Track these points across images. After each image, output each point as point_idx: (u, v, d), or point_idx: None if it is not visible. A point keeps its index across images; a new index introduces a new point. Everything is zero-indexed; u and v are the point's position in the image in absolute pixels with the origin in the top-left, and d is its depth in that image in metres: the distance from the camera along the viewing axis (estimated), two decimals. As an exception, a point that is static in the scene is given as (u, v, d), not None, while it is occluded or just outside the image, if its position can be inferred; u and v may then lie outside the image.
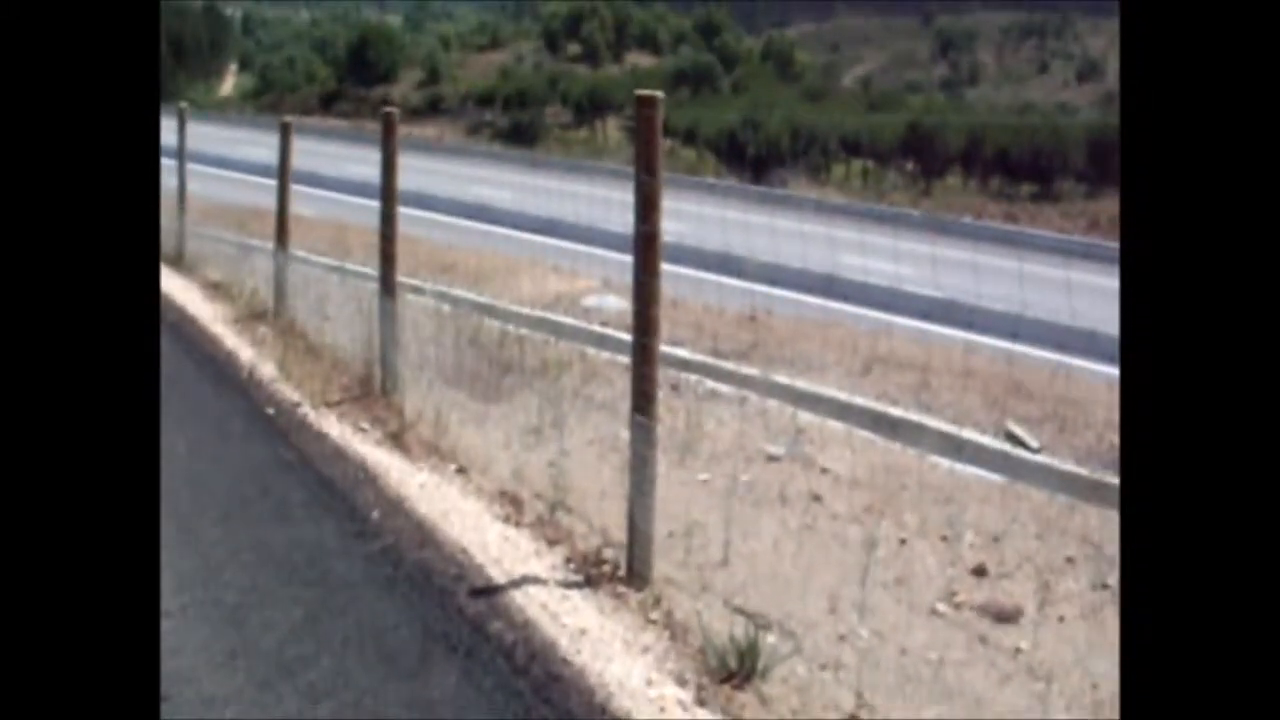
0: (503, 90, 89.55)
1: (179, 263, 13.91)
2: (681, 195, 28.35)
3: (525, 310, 13.17)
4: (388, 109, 7.82)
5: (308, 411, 7.50)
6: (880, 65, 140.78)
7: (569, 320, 12.90)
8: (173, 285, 12.45)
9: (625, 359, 10.87)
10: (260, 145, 56.80)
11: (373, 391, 7.88)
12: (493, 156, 58.13)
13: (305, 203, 33.66)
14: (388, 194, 7.68)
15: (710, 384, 10.26)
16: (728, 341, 12.46)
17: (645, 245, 4.63)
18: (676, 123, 77.79)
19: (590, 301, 14.51)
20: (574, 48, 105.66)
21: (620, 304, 13.87)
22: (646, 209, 4.59)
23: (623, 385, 9.54)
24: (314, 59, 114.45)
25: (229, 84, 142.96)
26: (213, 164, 46.59)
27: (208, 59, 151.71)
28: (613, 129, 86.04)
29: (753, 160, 65.06)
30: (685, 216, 23.42)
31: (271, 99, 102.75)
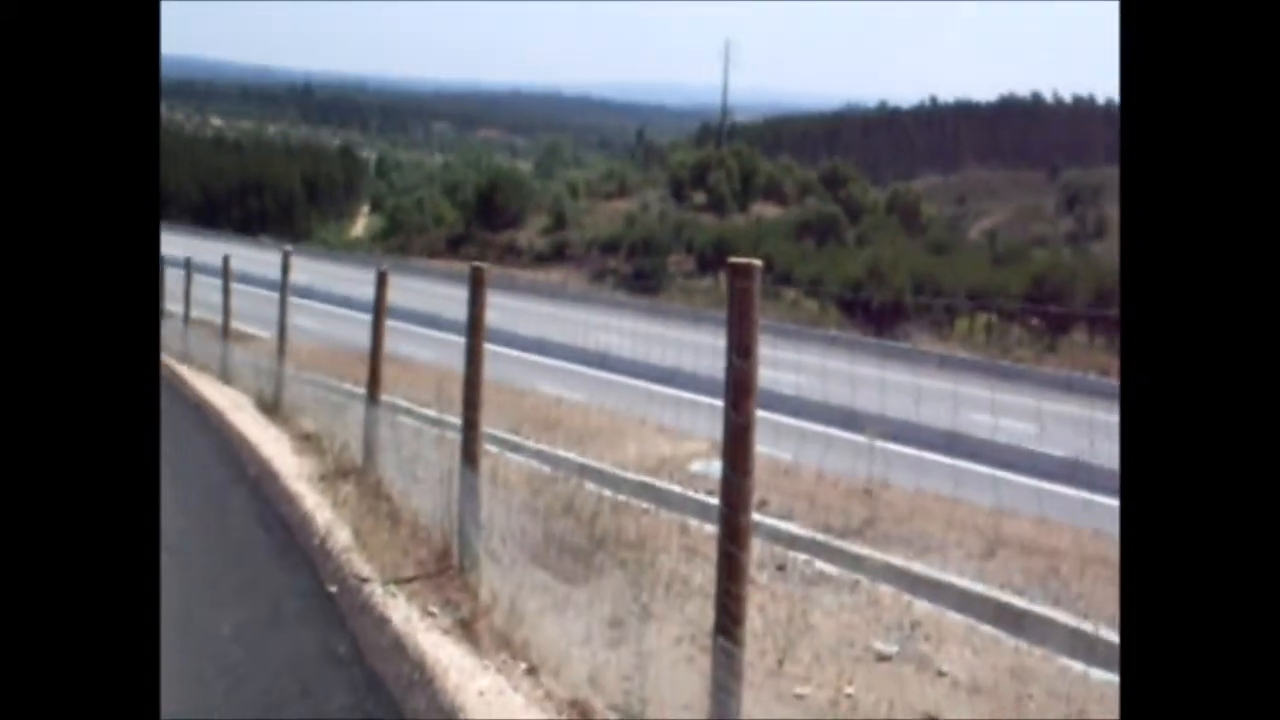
0: (628, 237, 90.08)
1: (275, 411, 13.51)
2: (803, 348, 27.81)
3: (627, 474, 12.54)
4: (476, 264, 7.27)
5: (374, 590, 6.89)
6: (1006, 218, 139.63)
7: (673, 487, 12.21)
8: (263, 436, 12.02)
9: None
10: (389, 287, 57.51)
11: (450, 568, 7.27)
12: (615, 304, 57.99)
13: (423, 346, 33.66)
14: (473, 357, 7.12)
15: (820, 565, 9.50)
16: (840, 516, 11.70)
17: (735, 441, 3.98)
18: (801, 274, 77.63)
19: (697, 467, 13.81)
20: (700, 197, 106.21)
21: (728, 471, 13.17)
22: (738, 397, 3.95)
23: (724, 564, 8.87)
24: (443, 202, 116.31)
25: (360, 225, 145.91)
26: (339, 304, 47.05)
27: (341, 200, 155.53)
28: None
29: (876, 313, 64.45)
30: (807, 369, 22.76)
31: (400, 240, 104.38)
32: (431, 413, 15.23)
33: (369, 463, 10.07)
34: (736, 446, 4.00)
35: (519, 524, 8.50)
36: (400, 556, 7.54)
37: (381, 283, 10.10)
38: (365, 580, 7.06)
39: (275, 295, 13.88)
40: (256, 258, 61.17)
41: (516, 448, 13.72)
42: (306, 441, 11.74)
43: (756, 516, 11.45)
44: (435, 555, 7.51)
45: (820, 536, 10.49)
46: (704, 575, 8.33)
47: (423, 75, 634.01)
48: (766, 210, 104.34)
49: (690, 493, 11.85)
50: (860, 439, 17.34)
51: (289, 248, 14.11)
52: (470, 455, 7.17)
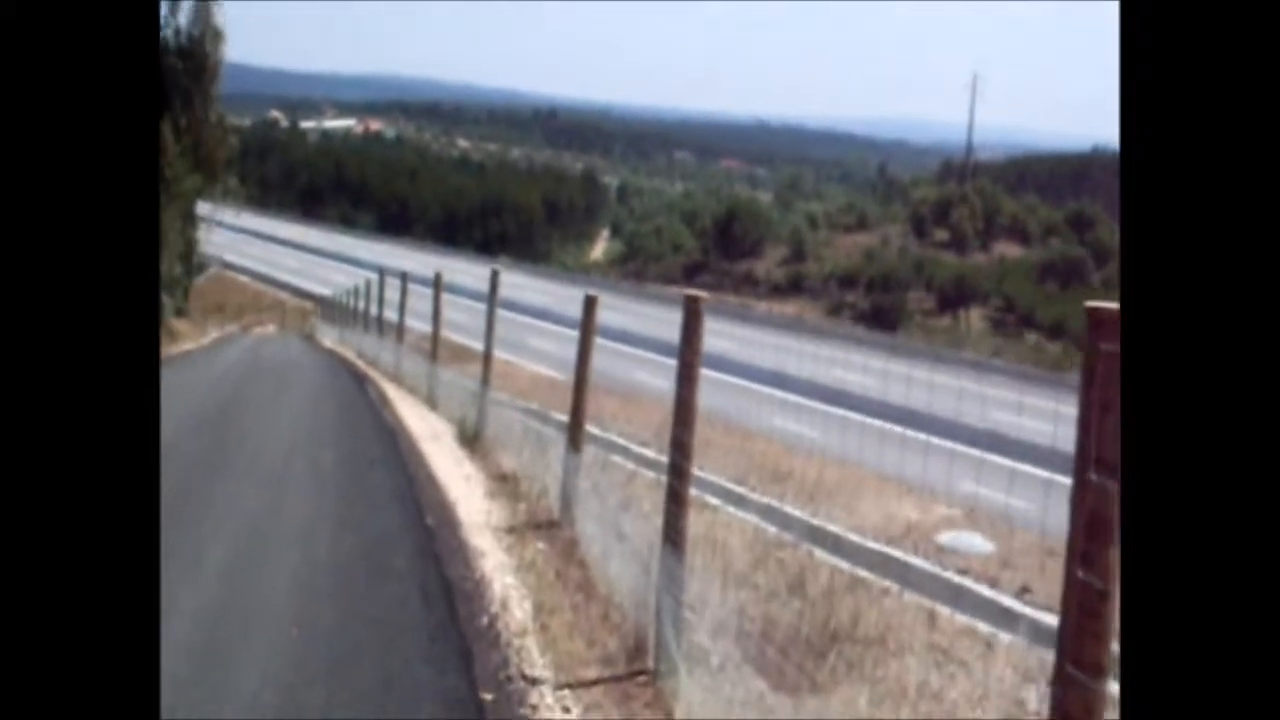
0: (866, 272, 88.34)
1: (475, 444, 12.25)
2: (1047, 393, 26.01)
3: (866, 542, 10.84)
4: (690, 293, 5.76)
5: (543, 696, 5.45)
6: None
7: (919, 562, 10.44)
8: (454, 473, 10.74)
9: (985, 627, 8.48)
10: (621, 311, 57.14)
11: (644, 669, 5.80)
12: (853, 339, 56.10)
13: (655, 373, 32.45)
14: (683, 411, 5.63)
15: (1115, 687, 7.75)
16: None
17: (1085, 615, 2.40)
18: (1043, 316, 75.02)
19: (946, 539, 11.98)
20: (941, 233, 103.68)
21: (985, 546, 11.44)
22: (1094, 543, 2.40)
23: (984, 675, 7.18)
24: (681, 230, 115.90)
25: (599, 249, 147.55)
26: (574, 326, 46.42)
27: (581, 224, 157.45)
28: (976, 319, 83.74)
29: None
30: (1061, 419, 20.82)
31: (637, 266, 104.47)
32: (650, 453, 13.83)
33: (565, 515, 8.70)
34: (1086, 624, 2.41)
35: (735, 603, 7.02)
36: (584, 648, 6.12)
37: (589, 311, 8.70)
38: (534, 682, 5.63)
39: (509, 315, 12.61)
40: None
41: (740, 501, 12.17)
42: (502, 483, 10.41)
43: (1019, 606, 9.77)
44: (628, 649, 6.07)
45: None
46: (959, 690, 6.73)
47: (667, 104, 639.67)
48: (1009, 250, 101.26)
49: (939, 570, 10.09)
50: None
51: (498, 266, 12.83)
52: (674, 533, 5.69)
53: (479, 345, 31.28)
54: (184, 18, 50.44)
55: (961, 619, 8.41)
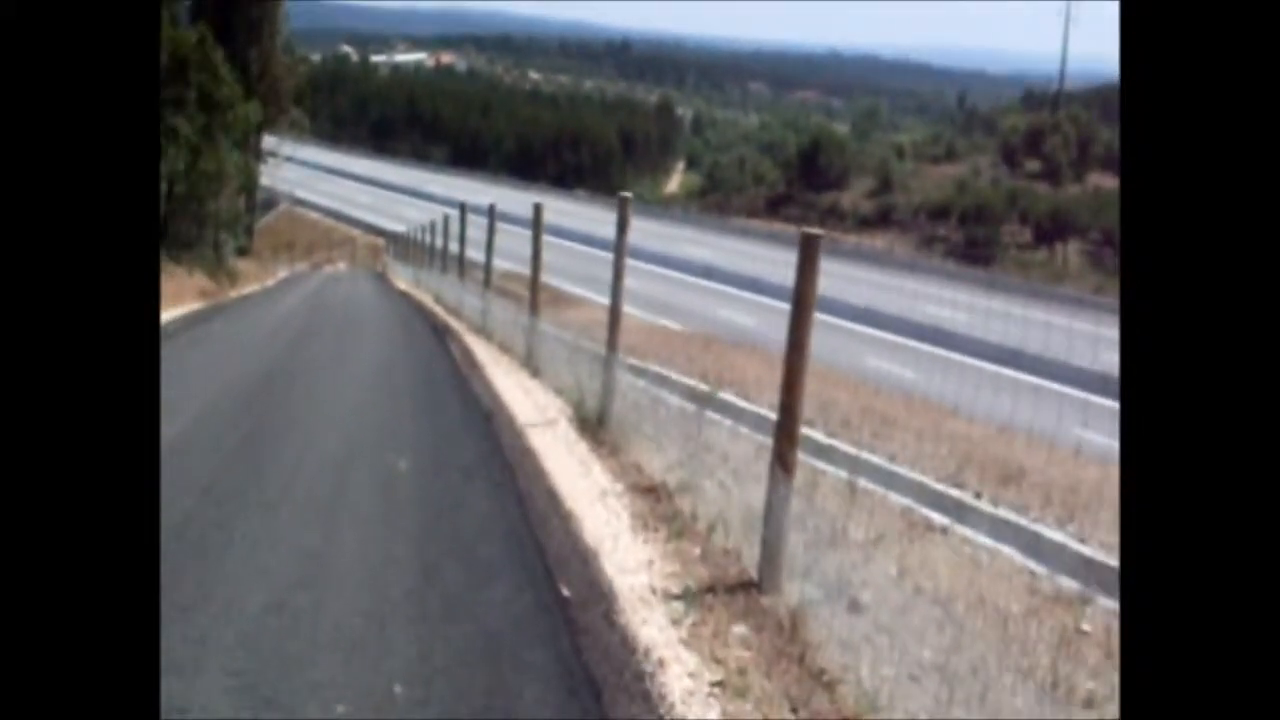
0: (958, 204, 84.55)
1: (599, 434, 9.08)
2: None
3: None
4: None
5: None
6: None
7: None
8: (584, 490, 7.54)
9: None
10: (702, 245, 53.92)
11: None
12: (946, 274, 52.82)
13: (753, 315, 29.30)
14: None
15: None
16: None
17: None
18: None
19: None
20: (1033, 164, 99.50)
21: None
22: None
23: None
24: (763, 161, 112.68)
25: (675, 181, 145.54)
26: (659, 263, 43.36)
27: (656, 156, 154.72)
28: (1074, 253, 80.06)
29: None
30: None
31: (717, 199, 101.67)
32: (818, 435, 10.69)
33: (769, 575, 5.58)
34: None
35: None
36: None
37: (809, 257, 5.54)
38: None
39: (593, 252, 9.29)
40: (572, 211, 58.25)
41: (971, 517, 8.85)
42: (653, 501, 7.23)
43: None
44: None
45: None
46: None
47: (740, 35, 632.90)
48: (1104, 181, 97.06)
49: None
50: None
51: (627, 194, 9.52)
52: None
53: (568, 286, 27.97)
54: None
55: None
